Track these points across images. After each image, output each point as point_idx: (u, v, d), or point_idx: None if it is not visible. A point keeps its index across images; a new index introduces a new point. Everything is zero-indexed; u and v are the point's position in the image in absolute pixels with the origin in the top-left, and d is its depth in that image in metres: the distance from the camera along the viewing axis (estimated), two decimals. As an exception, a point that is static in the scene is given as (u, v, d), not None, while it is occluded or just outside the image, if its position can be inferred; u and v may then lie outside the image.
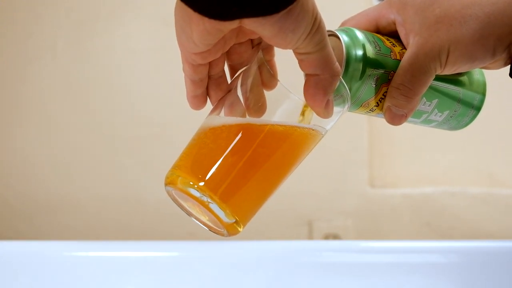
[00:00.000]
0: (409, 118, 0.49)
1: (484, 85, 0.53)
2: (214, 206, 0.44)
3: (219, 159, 0.45)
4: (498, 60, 0.46)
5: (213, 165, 0.44)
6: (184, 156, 0.47)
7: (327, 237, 1.13)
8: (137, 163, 1.16)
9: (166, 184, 0.45)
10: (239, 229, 0.46)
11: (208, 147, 0.46)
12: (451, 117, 0.51)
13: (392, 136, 1.19)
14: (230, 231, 0.45)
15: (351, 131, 1.16)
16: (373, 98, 0.47)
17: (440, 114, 0.50)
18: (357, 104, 0.47)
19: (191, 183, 0.44)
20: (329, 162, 1.15)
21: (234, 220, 0.45)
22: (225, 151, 0.45)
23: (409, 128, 1.20)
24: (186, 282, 0.33)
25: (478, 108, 0.52)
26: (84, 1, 1.22)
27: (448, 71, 0.46)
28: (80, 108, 1.18)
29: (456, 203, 1.14)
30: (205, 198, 0.43)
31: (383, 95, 0.47)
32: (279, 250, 0.35)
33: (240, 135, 0.46)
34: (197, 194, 0.44)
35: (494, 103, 1.21)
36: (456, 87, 0.50)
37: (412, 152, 1.20)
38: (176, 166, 0.46)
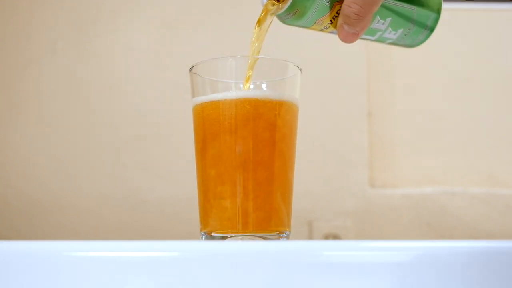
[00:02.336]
0: (364, 35, 0.50)
1: (439, 4, 0.53)
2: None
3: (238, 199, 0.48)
4: None
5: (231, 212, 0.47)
6: (206, 213, 0.50)
7: (327, 237, 1.13)
8: (137, 163, 1.16)
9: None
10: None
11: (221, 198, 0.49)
12: (405, 35, 0.52)
13: (392, 136, 1.19)
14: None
15: (351, 132, 1.16)
16: (327, 15, 0.47)
17: (394, 32, 0.51)
18: (311, 21, 0.48)
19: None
20: (329, 162, 1.15)
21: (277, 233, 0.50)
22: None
23: (409, 129, 1.20)
24: (186, 282, 0.33)
25: (432, 27, 0.53)
26: (84, 1, 1.22)
27: None
28: (80, 108, 1.18)
29: (456, 203, 1.14)
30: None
31: (336, 13, 0.47)
32: (279, 250, 0.35)
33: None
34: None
35: (493, 104, 1.22)
36: (410, 5, 0.50)
37: (412, 152, 1.20)
38: (209, 226, 0.50)
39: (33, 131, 1.18)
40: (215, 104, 0.49)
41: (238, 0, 1.21)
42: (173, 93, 1.16)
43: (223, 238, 0.48)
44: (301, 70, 0.53)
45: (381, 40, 0.52)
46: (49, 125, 1.18)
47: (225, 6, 1.21)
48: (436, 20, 0.52)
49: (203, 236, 0.50)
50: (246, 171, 0.48)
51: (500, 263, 0.34)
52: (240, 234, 0.48)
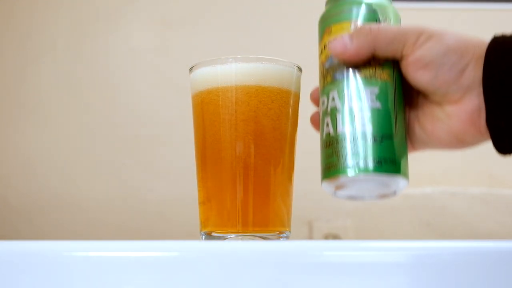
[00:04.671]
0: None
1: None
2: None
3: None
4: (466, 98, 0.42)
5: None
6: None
7: (327, 237, 1.13)
8: (137, 163, 1.16)
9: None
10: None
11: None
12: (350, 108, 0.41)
13: (392, 136, 1.19)
14: None
15: (351, 131, 1.16)
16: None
17: (339, 100, 0.41)
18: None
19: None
20: (329, 162, 1.15)
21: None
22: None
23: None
24: (186, 282, 0.33)
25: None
26: (84, 1, 1.22)
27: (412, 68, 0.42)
28: (80, 108, 1.18)
29: (456, 203, 1.14)
30: None
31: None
32: (279, 250, 0.35)
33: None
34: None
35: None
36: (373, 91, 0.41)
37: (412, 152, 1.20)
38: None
39: (33, 131, 1.18)
40: (215, 90, 0.49)
41: (238, 0, 1.21)
42: (172, 93, 1.16)
43: (223, 238, 0.48)
44: (301, 70, 0.53)
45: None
46: (49, 125, 1.18)
47: (225, 6, 1.21)
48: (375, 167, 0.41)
49: (203, 236, 0.50)
50: (246, 171, 0.48)
51: (500, 263, 0.34)
52: (240, 234, 0.47)
